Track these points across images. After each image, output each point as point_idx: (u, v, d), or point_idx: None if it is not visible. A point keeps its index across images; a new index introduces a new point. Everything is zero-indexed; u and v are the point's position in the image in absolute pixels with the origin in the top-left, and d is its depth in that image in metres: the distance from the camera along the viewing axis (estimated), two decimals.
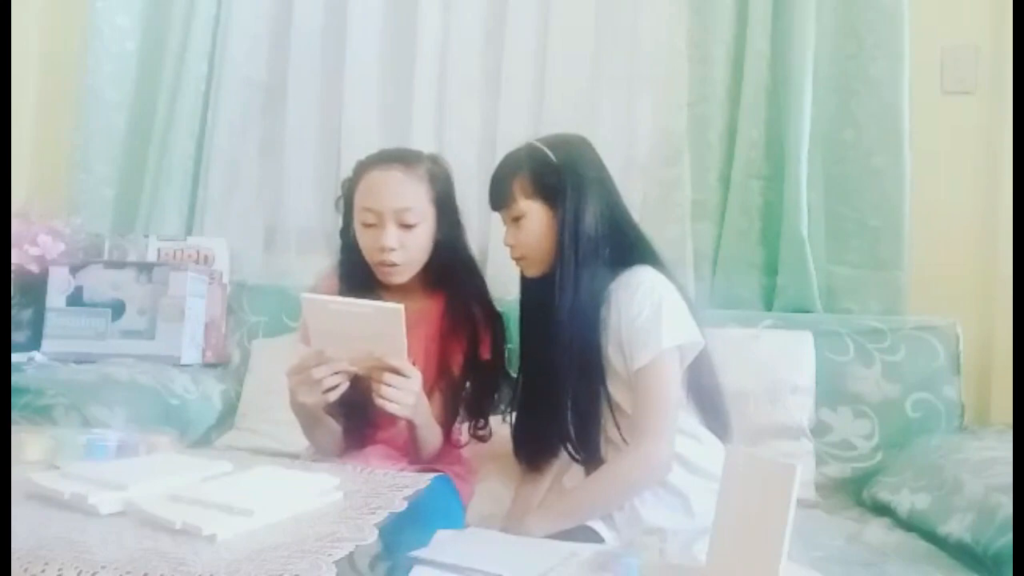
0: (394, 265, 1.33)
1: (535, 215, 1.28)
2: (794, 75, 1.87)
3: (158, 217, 2.19)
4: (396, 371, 1.16)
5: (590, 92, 2.06)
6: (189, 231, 2.21)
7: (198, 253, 2.11)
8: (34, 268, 1.93)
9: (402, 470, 1.22)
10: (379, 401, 1.16)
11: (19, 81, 2.17)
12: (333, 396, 1.18)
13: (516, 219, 1.29)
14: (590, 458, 1.26)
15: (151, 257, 2.08)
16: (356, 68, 2.16)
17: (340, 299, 1.20)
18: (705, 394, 1.29)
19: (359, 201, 1.34)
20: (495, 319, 1.42)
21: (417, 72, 2.12)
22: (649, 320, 1.20)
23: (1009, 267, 1.66)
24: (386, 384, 1.15)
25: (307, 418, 1.29)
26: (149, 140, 2.24)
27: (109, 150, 2.27)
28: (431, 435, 1.32)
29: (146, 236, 2.13)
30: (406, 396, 1.17)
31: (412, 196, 1.33)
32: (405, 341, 1.14)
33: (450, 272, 1.40)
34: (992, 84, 1.89)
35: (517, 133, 2.08)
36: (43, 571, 0.69)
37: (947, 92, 1.93)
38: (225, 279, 2.09)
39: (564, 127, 2.03)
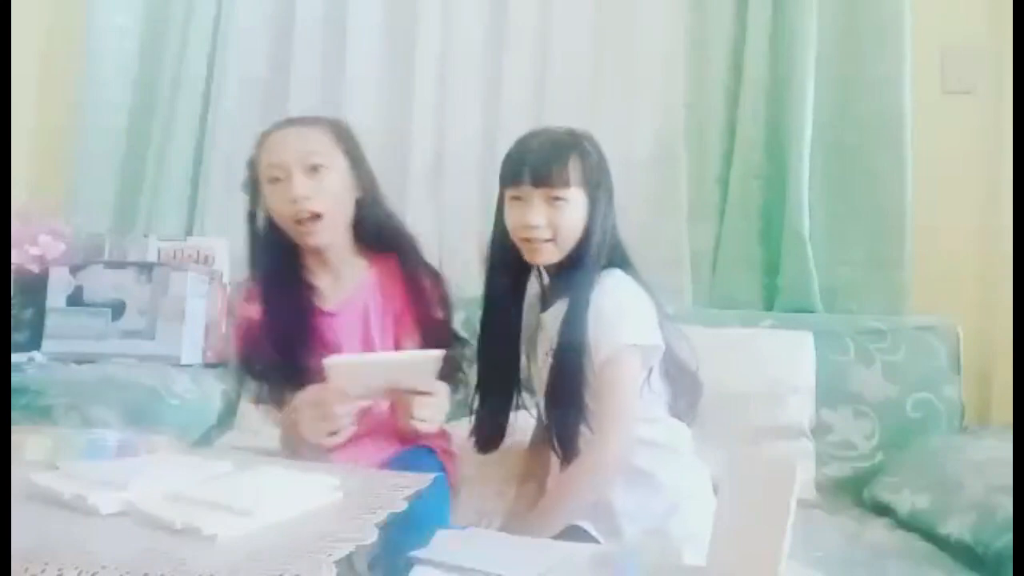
0: (312, 216, 1.27)
1: (578, 203, 1.26)
2: (794, 75, 1.87)
3: (158, 217, 2.19)
4: (425, 394, 1.16)
5: (590, 92, 2.06)
6: (189, 231, 2.21)
7: (198, 253, 2.10)
8: (34, 268, 1.93)
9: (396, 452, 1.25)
10: (412, 423, 1.16)
11: (19, 81, 2.16)
12: (339, 440, 1.15)
13: (556, 199, 1.25)
14: (570, 450, 1.26)
15: (151, 257, 2.07)
16: (356, 68, 2.16)
17: (370, 356, 1.19)
18: (677, 387, 1.32)
19: (263, 163, 1.29)
20: (440, 278, 1.41)
21: (417, 72, 2.12)
22: (613, 318, 1.22)
23: (1009, 267, 1.66)
24: (419, 407, 1.15)
25: (297, 444, 1.24)
26: (149, 140, 2.23)
27: (109, 150, 2.27)
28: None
29: (146, 236, 2.13)
30: (438, 414, 1.18)
31: (316, 141, 1.29)
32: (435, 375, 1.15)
33: (383, 233, 1.36)
34: (992, 84, 1.89)
35: (517, 133, 2.08)
36: (43, 571, 0.68)
37: (947, 92, 1.94)
38: (225, 279, 2.09)
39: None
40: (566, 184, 1.24)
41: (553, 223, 1.24)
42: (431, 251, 2.03)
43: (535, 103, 2.08)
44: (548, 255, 1.27)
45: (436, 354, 1.15)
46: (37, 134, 2.37)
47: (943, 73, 1.94)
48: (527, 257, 1.30)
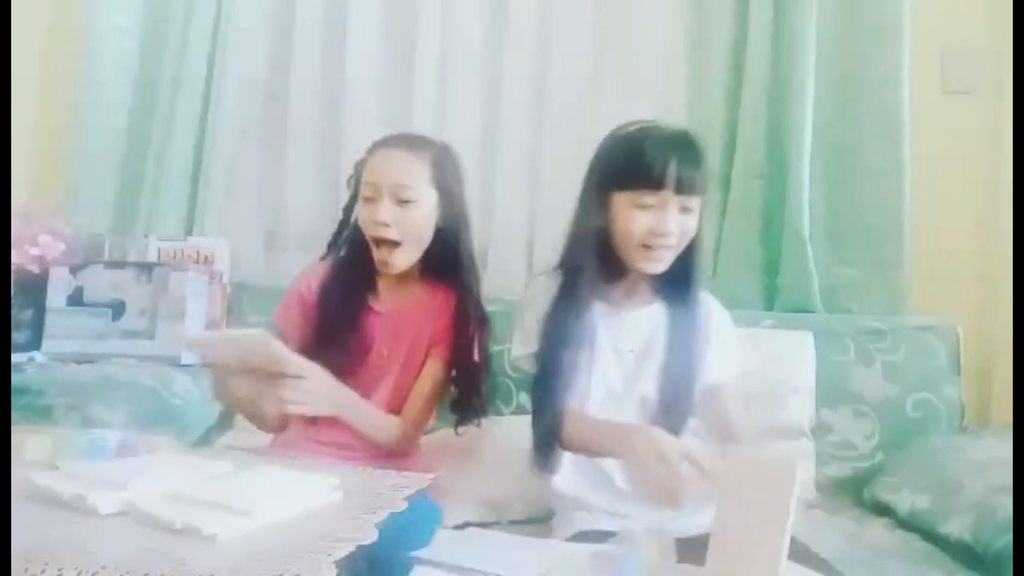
0: (390, 242, 1.34)
1: (699, 209, 1.22)
2: (795, 75, 1.87)
3: (158, 217, 2.19)
4: (294, 375, 1.19)
5: (590, 92, 2.06)
6: (189, 231, 2.20)
7: (198, 253, 2.10)
8: (34, 268, 1.93)
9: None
10: (285, 406, 1.19)
11: (19, 81, 2.16)
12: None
13: (688, 209, 1.20)
14: None
15: (151, 257, 2.07)
16: (356, 68, 2.16)
17: (207, 334, 1.29)
18: None
19: (364, 177, 1.38)
20: (486, 321, 1.43)
21: (417, 72, 2.12)
22: (732, 347, 1.29)
23: (1009, 267, 1.66)
24: (283, 387, 1.17)
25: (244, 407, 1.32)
26: (149, 140, 2.23)
27: (109, 150, 2.26)
28: (373, 425, 1.33)
29: (146, 236, 2.13)
30: (305, 395, 1.19)
31: (410, 174, 1.35)
32: (284, 351, 1.18)
33: (452, 265, 1.41)
34: (992, 84, 1.89)
35: (517, 133, 2.09)
36: (43, 571, 0.68)
37: (947, 92, 1.94)
38: (225, 279, 2.08)
39: (564, 127, 2.05)
40: (701, 192, 1.21)
41: (681, 230, 1.21)
42: None
43: (535, 103, 2.09)
44: (666, 263, 1.23)
45: (255, 333, 1.20)
46: (37, 134, 2.36)
47: (943, 73, 1.94)
48: (641, 264, 1.24)
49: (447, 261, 1.41)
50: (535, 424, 1.26)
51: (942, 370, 1.73)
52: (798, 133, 1.86)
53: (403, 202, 1.33)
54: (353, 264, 1.42)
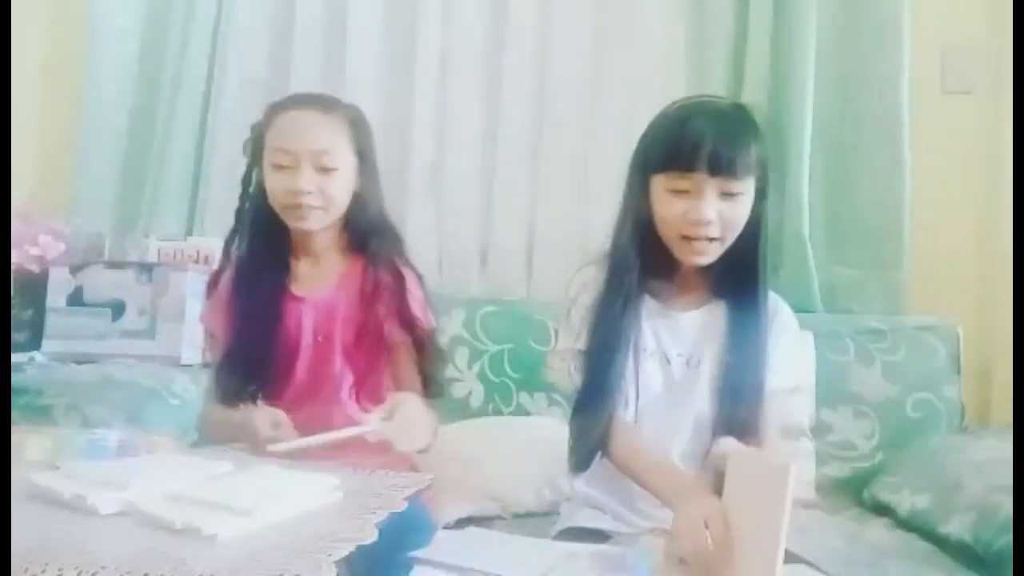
0: (310, 207, 1.25)
1: (749, 195, 1.09)
2: (794, 75, 1.87)
3: (158, 217, 2.19)
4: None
5: (590, 92, 2.06)
6: (189, 231, 2.21)
7: (198, 253, 2.10)
8: (34, 268, 1.93)
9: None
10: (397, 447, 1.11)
11: (19, 81, 2.16)
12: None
13: (731, 195, 1.08)
14: None
15: (151, 257, 2.07)
16: (356, 68, 2.16)
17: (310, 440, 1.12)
18: None
19: (271, 142, 1.26)
20: (420, 279, 1.34)
21: (417, 72, 2.12)
22: (798, 357, 1.24)
23: (1009, 267, 1.66)
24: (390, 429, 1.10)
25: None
26: (149, 140, 2.23)
27: (109, 150, 2.26)
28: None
29: (146, 236, 2.13)
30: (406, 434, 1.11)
31: (331, 139, 1.26)
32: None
33: (370, 231, 1.32)
34: (992, 84, 1.89)
35: (517, 133, 2.09)
36: (43, 571, 0.68)
37: (947, 92, 1.94)
38: None
39: (564, 127, 2.05)
40: (746, 174, 1.08)
41: (724, 219, 1.08)
42: (430, 251, 2.04)
43: (535, 103, 2.09)
44: (711, 256, 1.12)
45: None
46: (38, 134, 2.37)
47: (943, 73, 1.94)
48: (684, 257, 1.13)
49: (364, 229, 1.32)
50: (577, 425, 1.18)
51: (942, 370, 1.73)
52: (797, 133, 1.86)
53: (326, 170, 1.24)
54: (264, 247, 1.31)
